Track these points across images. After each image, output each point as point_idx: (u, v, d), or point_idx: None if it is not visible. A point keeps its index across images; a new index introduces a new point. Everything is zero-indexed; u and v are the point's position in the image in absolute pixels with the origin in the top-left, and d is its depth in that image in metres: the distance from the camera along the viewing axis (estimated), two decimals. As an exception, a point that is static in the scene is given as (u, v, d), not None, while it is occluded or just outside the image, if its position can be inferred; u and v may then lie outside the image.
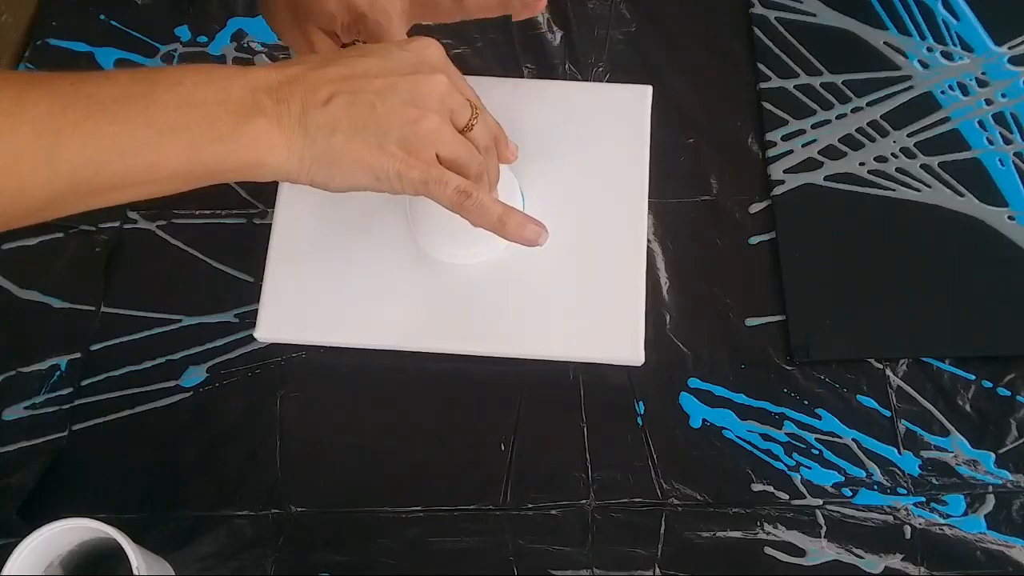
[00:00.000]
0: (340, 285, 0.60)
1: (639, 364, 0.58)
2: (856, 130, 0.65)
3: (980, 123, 0.65)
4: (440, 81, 0.46)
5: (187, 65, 0.46)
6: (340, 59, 0.45)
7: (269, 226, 0.62)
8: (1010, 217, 0.63)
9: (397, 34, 0.53)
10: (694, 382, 0.60)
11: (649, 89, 0.64)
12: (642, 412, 0.60)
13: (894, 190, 0.64)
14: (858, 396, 0.60)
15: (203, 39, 0.69)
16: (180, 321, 0.62)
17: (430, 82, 0.45)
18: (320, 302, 0.60)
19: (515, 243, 0.50)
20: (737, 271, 0.63)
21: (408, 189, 0.46)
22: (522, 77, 0.68)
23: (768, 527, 0.57)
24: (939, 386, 0.60)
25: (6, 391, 0.61)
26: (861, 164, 0.65)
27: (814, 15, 0.69)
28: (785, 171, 0.64)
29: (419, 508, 0.58)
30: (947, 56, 0.67)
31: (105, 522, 0.50)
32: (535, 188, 0.62)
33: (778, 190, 0.64)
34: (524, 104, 0.64)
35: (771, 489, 0.58)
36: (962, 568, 0.56)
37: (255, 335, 0.59)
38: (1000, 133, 0.65)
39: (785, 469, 0.58)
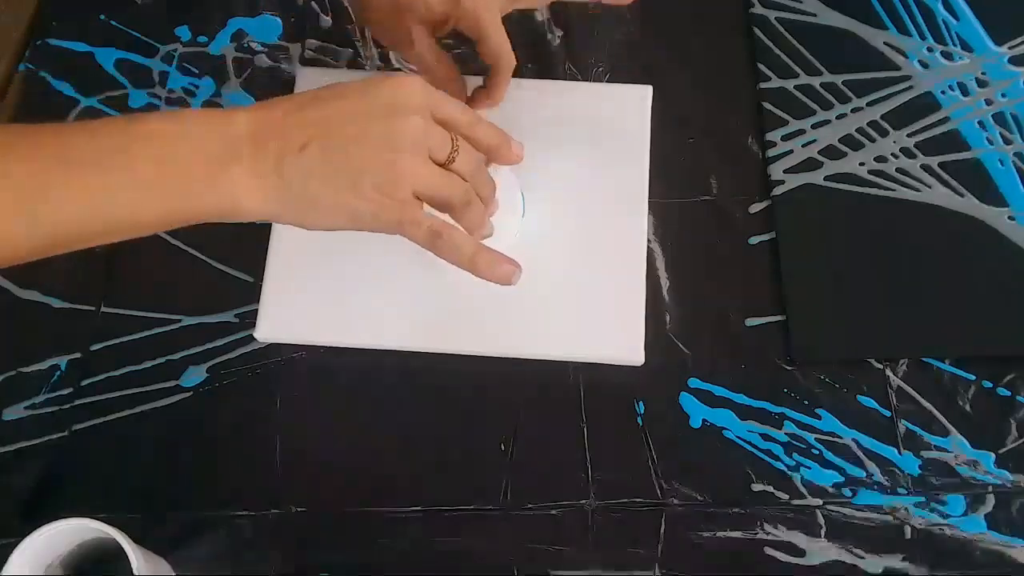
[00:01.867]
0: (340, 285, 0.60)
1: (639, 364, 0.59)
2: (856, 130, 0.65)
3: (980, 123, 0.65)
4: (414, 123, 0.46)
5: (164, 114, 0.47)
6: (315, 102, 0.46)
7: (269, 226, 0.62)
8: (1010, 217, 0.63)
9: (493, 24, 0.54)
10: (694, 382, 0.60)
11: (649, 89, 0.64)
12: (642, 412, 0.60)
13: (894, 190, 0.64)
14: (858, 396, 0.60)
15: (203, 39, 0.69)
16: (180, 321, 0.62)
17: (404, 124, 0.46)
18: (320, 302, 0.60)
19: (489, 280, 0.50)
20: (737, 271, 0.63)
21: (384, 229, 0.47)
22: (522, 77, 0.67)
23: (768, 527, 0.57)
24: (939, 386, 0.60)
25: (6, 391, 0.61)
26: (861, 164, 0.65)
27: (814, 15, 0.69)
28: (785, 171, 0.64)
29: (419, 508, 0.58)
30: (947, 56, 0.67)
31: (105, 522, 0.50)
32: (535, 188, 0.62)
33: (778, 190, 0.64)
34: (524, 104, 0.64)
35: (771, 489, 0.58)
36: (962, 568, 0.56)
37: (255, 335, 0.59)
38: (1000, 133, 0.65)
39: (785, 469, 0.58)
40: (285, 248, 0.61)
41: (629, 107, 0.64)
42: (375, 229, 0.47)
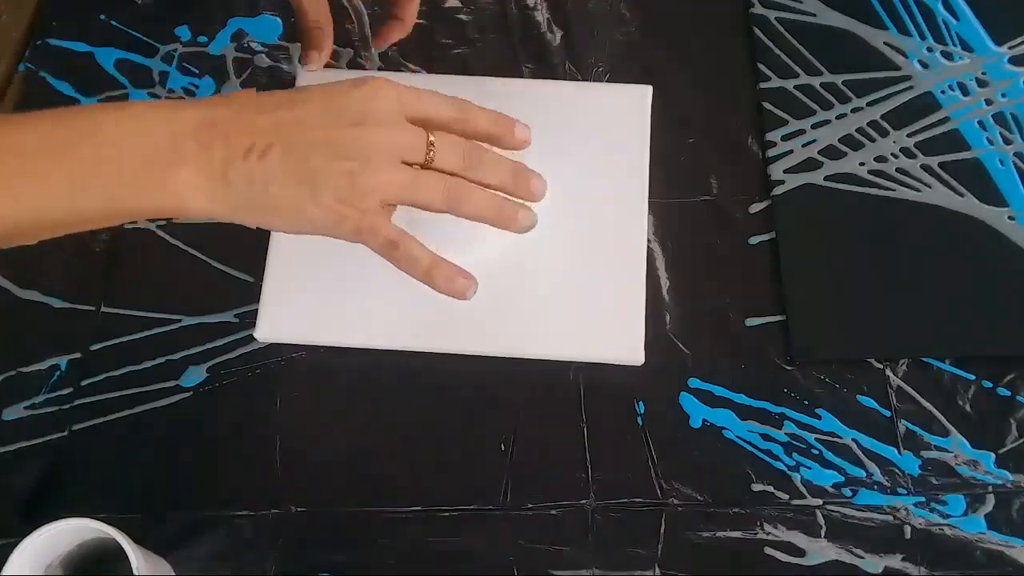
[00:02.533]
0: (340, 286, 0.60)
1: (639, 364, 0.59)
2: (856, 130, 0.65)
3: (980, 123, 0.65)
4: (381, 134, 0.45)
5: (110, 107, 0.45)
6: (274, 105, 0.45)
7: (269, 226, 0.62)
8: (1010, 217, 0.63)
9: None
10: (694, 382, 0.60)
11: (649, 89, 0.64)
12: (642, 412, 0.60)
13: (894, 190, 0.64)
14: (858, 396, 0.60)
15: (203, 39, 0.69)
16: (180, 321, 0.62)
17: (370, 135, 0.45)
18: (320, 302, 0.60)
19: (445, 295, 0.50)
20: (737, 271, 0.63)
21: (344, 238, 0.46)
22: (522, 77, 0.67)
23: (768, 527, 0.57)
24: (939, 386, 0.60)
25: (6, 391, 0.61)
26: (861, 164, 0.65)
27: (814, 15, 0.69)
28: (785, 171, 0.64)
29: (419, 508, 0.58)
30: (947, 56, 0.67)
31: (105, 522, 0.50)
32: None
33: (778, 190, 0.64)
34: (524, 104, 0.64)
35: (771, 489, 0.58)
36: (962, 568, 0.56)
37: (255, 335, 0.59)
38: (1000, 133, 0.65)
39: (785, 469, 0.58)
40: (285, 248, 0.61)
41: (629, 107, 0.64)
42: (335, 236, 0.46)
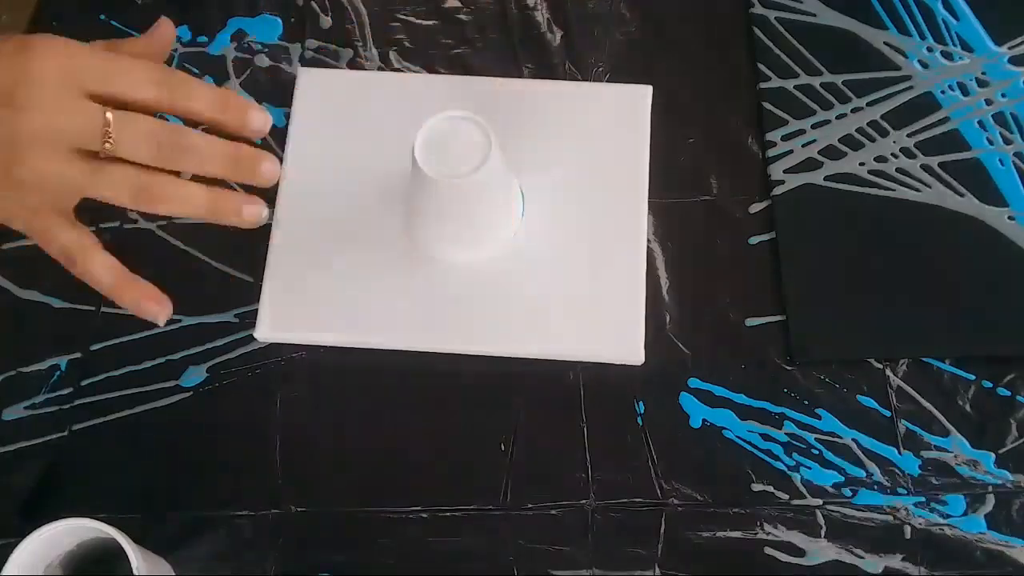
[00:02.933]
0: (340, 285, 0.60)
1: (639, 364, 0.59)
2: (856, 130, 0.65)
3: (980, 123, 0.65)
4: (35, 119, 0.37)
5: None
6: None
7: (269, 226, 0.62)
8: (1010, 217, 0.63)
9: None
10: (694, 382, 0.60)
11: (649, 89, 0.64)
12: (642, 412, 0.60)
13: (894, 190, 0.64)
14: (858, 396, 0.60)
15: (203, 39, 0.69)
16: (180, 321, 0.62)
17: (23, 120, 0.37)
18: (320, 302, 0.60)
19: None
20: (737, 271, 0.63)
21: (32, 238, 0.40)
22: (522, 77, 0.68)
23: (768, 527, 0.57)
24: (939, 386, 0.60)
25: (6, 391, 0.61)
26: (861, 164, 0.65)
27: (814, 15, 0.69)
28: (785, 171, 0.64)
29: (419, 508, 0.58)
30: (947, 56, 0.67)
31: (105, 522, 0.50)
32: (535, 188, 0.62)
33: (778, 190, 0.64)
34: (524, 104, 0.64)
35: (771, 489, 0.58)
36: (962, 568, 0.56)
37: (255, 335, 0.59)
38: (1000, 133, 0.65)
39: (785, 469, 0.58)
40: (285, 248, 0.61)
41: (629, 107, 0.64)
42: (22, 232, 0.40)
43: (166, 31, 0.44)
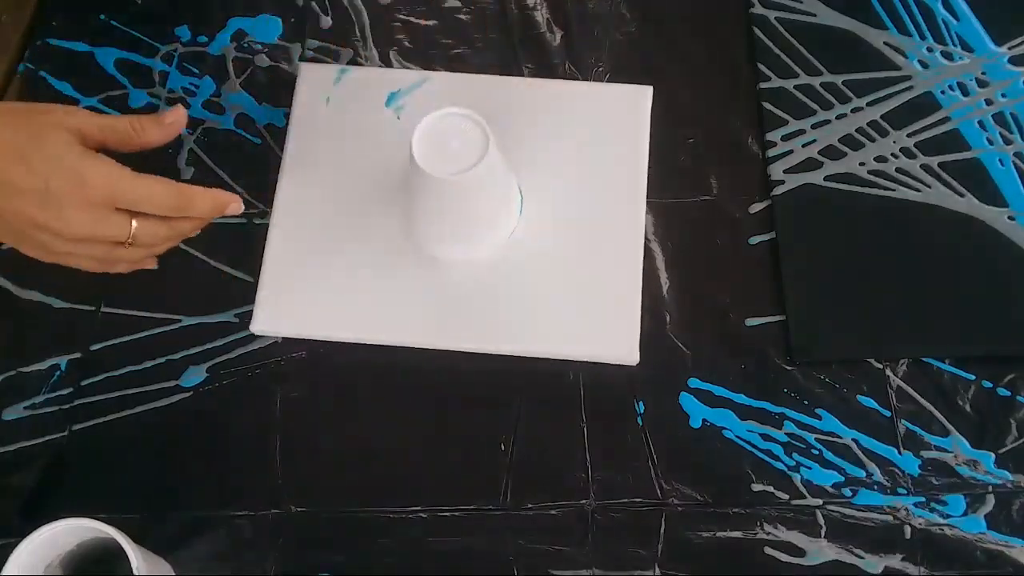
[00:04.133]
0: (337, 280, 0.60)
1: (634, 364, 0.59)
2: (856, 130, 0.65)
3: (980, 123, 0.65)
4: (75, 247, 0.50)
5: None
6: None
7: (269, 224, 0.62)
8: (1010, 217, 0.63)
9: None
10: (694, 382, 0.60)
11: (649, 89, 0.64)
12: (642, 412, 0.60)
13: (894, 190, 0.64)
14: (858, 396, 0.60)
15: (203, 39, 0.69)
16: (180, 321, 0.62)
17: (65, 245, 0.49)
18: (317, 296, 0.60)
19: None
20: (737, 271, 0.63)
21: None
22: (522, 77, 0.67)
23: (768, 527, 0.57)
24: (939, 386, 0.60)
25: (6, 391, 0.61)
26: (861, 164, 0.65)
27: (814, 15, 0.69)
28: (785, 171, 0.64)
29: (419, 508, 0.58)
30: (947, 56, 0.67)
31: (105, 522, 0.50)
32: (533, 187, 0.62)
33: (778, 190, 0.64)
34: (524, 104, 0.64)
35: (771, 489, 0.58)
36: (962, 568, 0.56)
37: (251, 328, 0.59)
38: (1000, 133, 0.65)
39: (785, 469, 0.58)
40: (283, 241, 0.61)
41: (629, 107, 0.64)
42: None
43: (180, 122, 0.54)
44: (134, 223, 0.50)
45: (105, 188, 0.48)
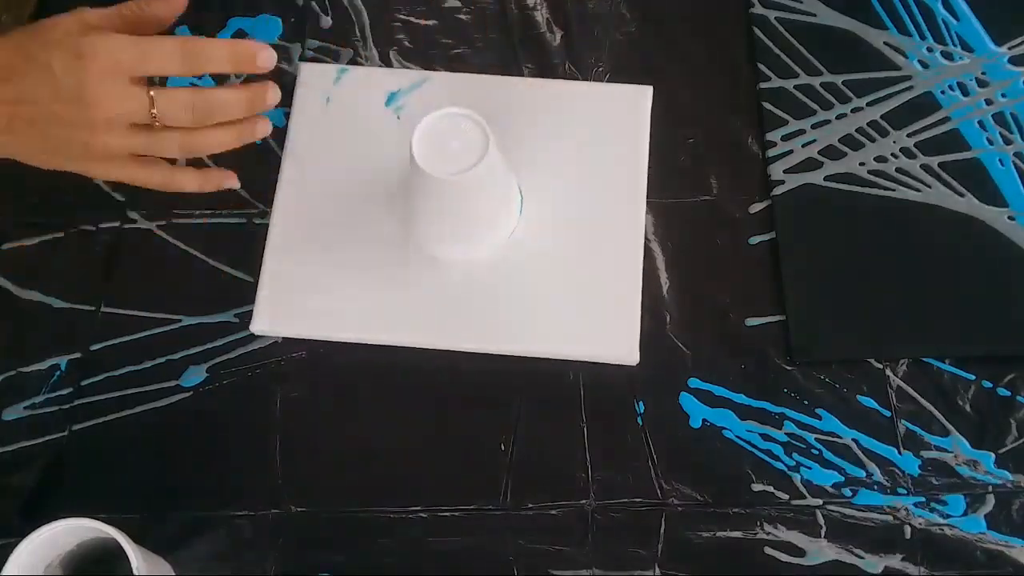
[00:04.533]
0: (337, 280, 0.60)
1: (634, 364, 0.59)
2: (856, 130, 0.65)
3: (980, 123, 0.65)
4: (100, 109, 0.48)
5: None
6: (11, 79, 0.48)
7: (268, 224, 0.62)
8: (1010, 217, 0.63)
9: None
10: (694, 382, 0.60)
11: (649, 89, 0.64)
12: (642, 412, 0.60)
13: (894, 190, 0.64)
14: (858, 396, 0.60)
15: (203, 39, 0.69)
16: (180, 321, 0.62)
17: (91, 110, 0.48)
18: (317, 296, 0.60)
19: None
20: (737, 271, 0.63)
21: (94, 175, 0.53)
22: (522, 77, 0.67)
23: (768, 527, 0.57)
24: (939, 386, 0.60)
25: (6, 391, 0.61)
26: (861, 164, 0.65)
27: (814, 15, 0.69)
28: (785, 171, 0.64)
29: (419, 508, 0.58)
30: (947, 56, 0.67)
31: (105, 522, 0.50)
32: (533, 186, 0.62)
33: (778, 190, 0.64)
34: (524, 104, 0.64)
35: (771, 489, 0.58)
36: (962, 568, 0.56)
37: (251, 328, 0.59)
38: (1000, 133, 0.65)
39: (785, 469, 0.58)
40: (283, 241, 0.61)
41: (629, 107, 0.64)
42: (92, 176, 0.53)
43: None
44: (152, 93, 0.49)
45: (106, 54, 0.48)
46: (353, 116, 0.64)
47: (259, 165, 0.65)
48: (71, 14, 0.50)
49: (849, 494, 0.58)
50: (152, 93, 0.49)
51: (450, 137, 0.55)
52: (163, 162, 0.54)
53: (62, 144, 0.50)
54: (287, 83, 0.67)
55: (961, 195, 0.63)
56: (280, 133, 0.66)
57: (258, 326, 0.59)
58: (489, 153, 0.54)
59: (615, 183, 0.62)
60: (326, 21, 0.70)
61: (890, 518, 0.57)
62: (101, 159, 0.51)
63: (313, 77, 0.65)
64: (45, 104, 0.48)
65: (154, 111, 0.49)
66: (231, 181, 0.56)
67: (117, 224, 0.64)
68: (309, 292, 0.60)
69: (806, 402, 0.60)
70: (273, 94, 0.53)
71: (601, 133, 0.63)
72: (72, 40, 0.48)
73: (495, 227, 0.60)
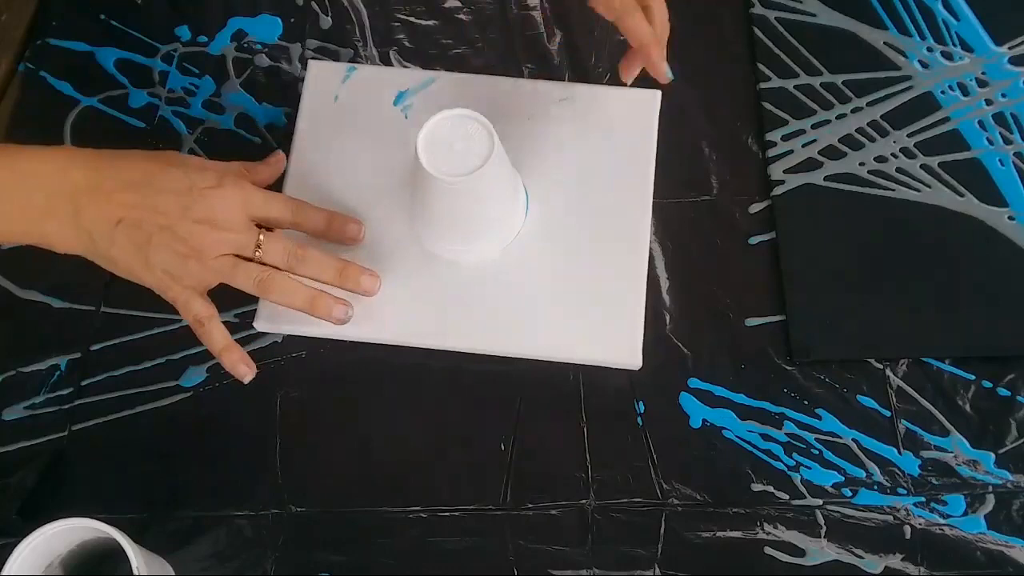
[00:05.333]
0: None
1: (637, 368, 0.59)
2: (856, 130, 0.65)
3: (980, 123, 0.65)
4: (217, 235, 0.53)
5: (6, 154, 0.53)
6: (143, 188, 0.52)
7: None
8: (1010, 217, 0.63)
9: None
10: (694, 382, 0.60)
11: (658, 94, 0.64)
12: (642, 412, 0.60)
13: (894, 190, 0.64)
14: (858, 396, 0.60)
15: (203, 39, 0.69)
16: (180, 321, 0.62)
17: (210, 234, 0.53)
18: None
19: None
20: (737, 271, 0.63)
21: (167, 299, 0.55)
22: (522, 77, 0.67)
23: (768, 527, 0.57)
24: (939, 386, 0.60)
25: (6, 391, 0.61)
26: (861, 164, 0.65)
27: (814, 15, 0.69)
28: (785, 171, 0.64)
29: (419, 508, 0.58)
30: (947, 56, 0.67)
31: (105, 522, 0.50)
32: (540, 189, 0.62)
33: (778, 190, 0.64)
34: (532, 105, 0.64)
35: (771, 489, 0.58)
36: (962, 568, 0.56)
37: (255, 325, 0.59)
38: (1000, 133, 0.65)
39: (785, 469, 0.58)
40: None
41: (637, 111, 0.64)
42: (162, 294, 0.55)
43: (281, 164, 0.61)
44: (261, 236, 0.54)
45: (240, 190, 0.54)
46: (361, 114, 0.64)
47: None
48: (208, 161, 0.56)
49: (849, 494, 0.58)
50: (262, 235, 0.54)
51: (455, 138, 0.55)
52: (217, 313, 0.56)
53: (155, 253, 0.52)
54: (287, 83, 0.67)
55: (961, 195, 0.63)
56: (280, 133, 0.66)
57: (261, 323, 0.59)
58: (494, 155, 0.54)
59: (622, 187, 0.62)
60: (326, 21, 0.70)
61: (890, 518, 0.57)
62: (183, 280, 0.53)
63: (322, 75, 0.65)
64: (170, 216, 0.52)
65: (260, 247, 0.54)
66: (248, 373, 0.56)
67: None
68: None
69: (806, 402, 0.60)
70: (369, 282, 0.58)
71: (609, 136, 0.63)
72: (213, 170, 0.54)
73: (500, 229, 0.60)
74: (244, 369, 0.56)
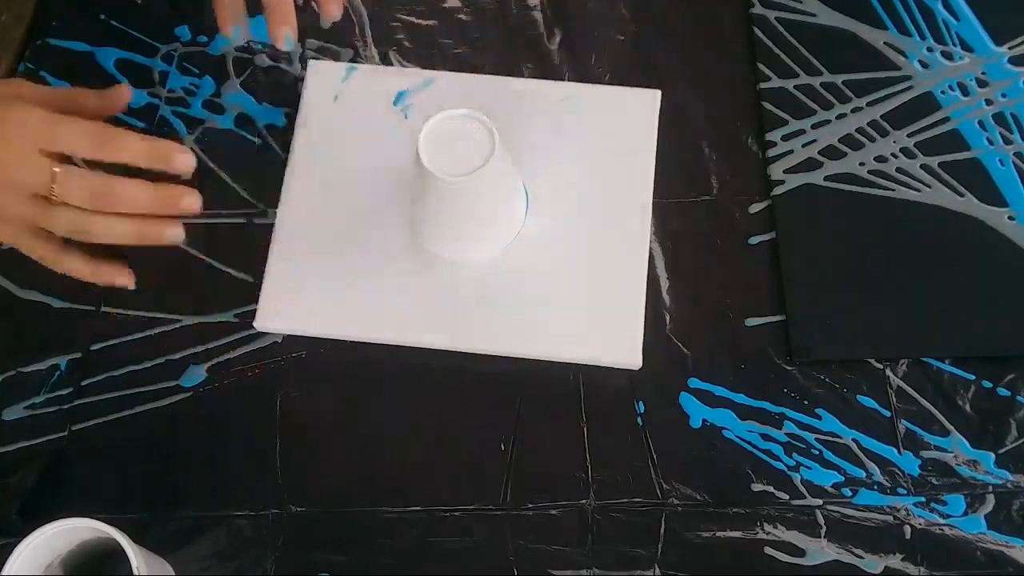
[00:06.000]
0: (341, 278, 0.60)
1: (637, 368, 0.59)
2: (856, 130, 0.65)
3: (980, 123, 0.65)
4: (4, 171, 0.49)
5: None
6: None
7: (269, 226, 0.62)
8: (1010, 217, 0.63)
9: None
10: (694, 382, 0.60)
11: (658, 94, 0.64)
12: (642, 412, 0.60)
13: (894, 190, 0.64)
14: (858, 396, 0.60)
15: (203, 39, 0.69)
16: (180, 321, 0.62)
17: None
18: (321, 294, 0.60)
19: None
20: (737, 271, 0.63)
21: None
22: (522, 77, 0.67)
23: (768, 527, 0.57)
24: (939, 386, 0.60)
25: (6, 391, 0.61)
26: (861, 164, 0.65)
27: (814, 15, 0.69)
28: (785, 171, 0.64)
29: (419, 508, 0.58)
30: (947, 56, 0.67)
31: (105, 522, 0.50)
32: (541, 189, 0.62)
33: (778, 190, 0.64)
34: (533, 105, 0.64)
35: (771, 489, 0.58)
36: (962, 568, 0.56)
37: (255, 324, 0.59)
38: (1000, 133, 0.65)
39: (785, 469, 0.58)
40: (288, 239, 0.61)
41: (637, 111, 0.64)
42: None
43: (122, 96, 0.56)
44: (56, 168, 0.49)
45: (20, 123, 0.49)
46: (361, 114, 0.64)
47: (259, 165, 0.65)
48: (6, 81, 0.53)
49: (849, 494, 0.58)
50: (56, 168, 0.49)
51: (456, 138, 0.55)
52: (56, 239, 0.53)
53: None
54: (287, 84, 0.67)
55: (961, 195, 0.63)
56: (280, 133, 0.66)
57: (261, 322, 0.60)
58: (495, 155, 0.54)
59: (622, 187, 0.62)
60: (326, 21, 0.70)
61: (890, 518, 0.57)
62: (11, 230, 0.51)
63: (322, 75, 0.65)
64: None
65: (54, 185, 0.49)
66: (124, 280, 0.55)
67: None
68: (313, 289, 0.60)
69: (806, 402, 0.60)
70: (190, 201, 0.52)
71: (609, 136, 0.63)
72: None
73: (500, 228, 0.60)
74: (123, 280, 0.54)
